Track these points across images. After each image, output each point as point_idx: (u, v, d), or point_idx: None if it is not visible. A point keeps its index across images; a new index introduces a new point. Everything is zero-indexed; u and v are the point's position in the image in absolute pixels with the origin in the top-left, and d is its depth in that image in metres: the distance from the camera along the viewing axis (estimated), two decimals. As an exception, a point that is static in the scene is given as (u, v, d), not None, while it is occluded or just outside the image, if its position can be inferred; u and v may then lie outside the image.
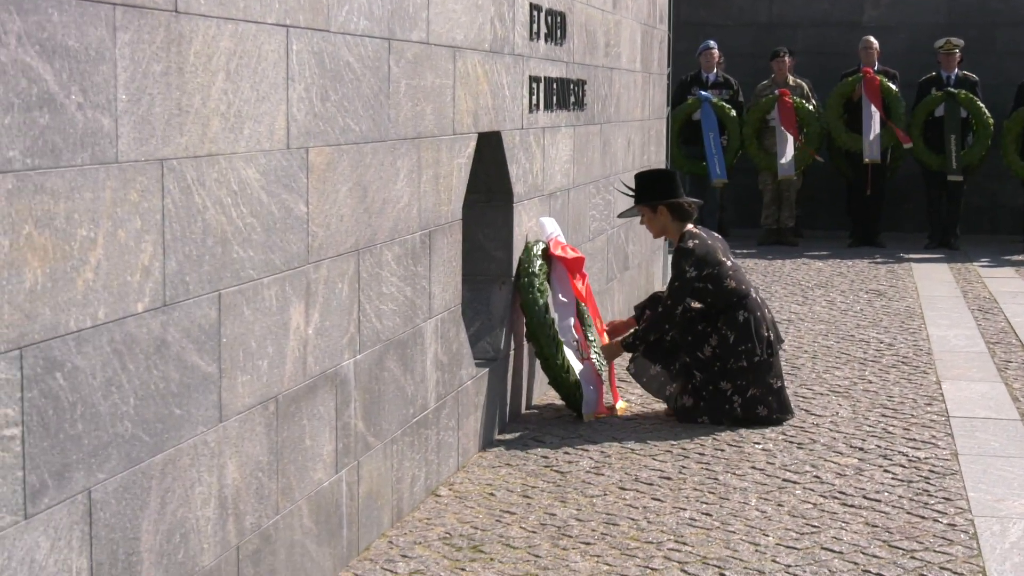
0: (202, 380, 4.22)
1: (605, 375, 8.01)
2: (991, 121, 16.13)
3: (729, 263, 7.75)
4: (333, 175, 5.12)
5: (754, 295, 7.76)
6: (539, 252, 7.68)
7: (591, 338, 8.09)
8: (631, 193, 8.09)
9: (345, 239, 5.25)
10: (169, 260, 3.99)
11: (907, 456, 7.00)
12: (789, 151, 16.21)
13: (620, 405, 7.97)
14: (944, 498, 6.29)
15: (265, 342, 4.62)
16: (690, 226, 7.86)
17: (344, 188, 5.23)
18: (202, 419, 4.23)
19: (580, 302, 8.02)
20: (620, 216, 8.64)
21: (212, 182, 4.22)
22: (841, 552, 5.55)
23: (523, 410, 7.88)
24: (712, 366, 7.62)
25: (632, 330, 7.99)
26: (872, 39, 16.53)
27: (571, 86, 8.78)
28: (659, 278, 12.72)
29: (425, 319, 6.21)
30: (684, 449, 7.11)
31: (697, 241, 7.73)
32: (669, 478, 6.59)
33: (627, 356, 8.15)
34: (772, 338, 7.70)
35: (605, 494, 6.33)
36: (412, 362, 6.06)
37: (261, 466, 4.63)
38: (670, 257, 8.12)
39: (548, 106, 8.22)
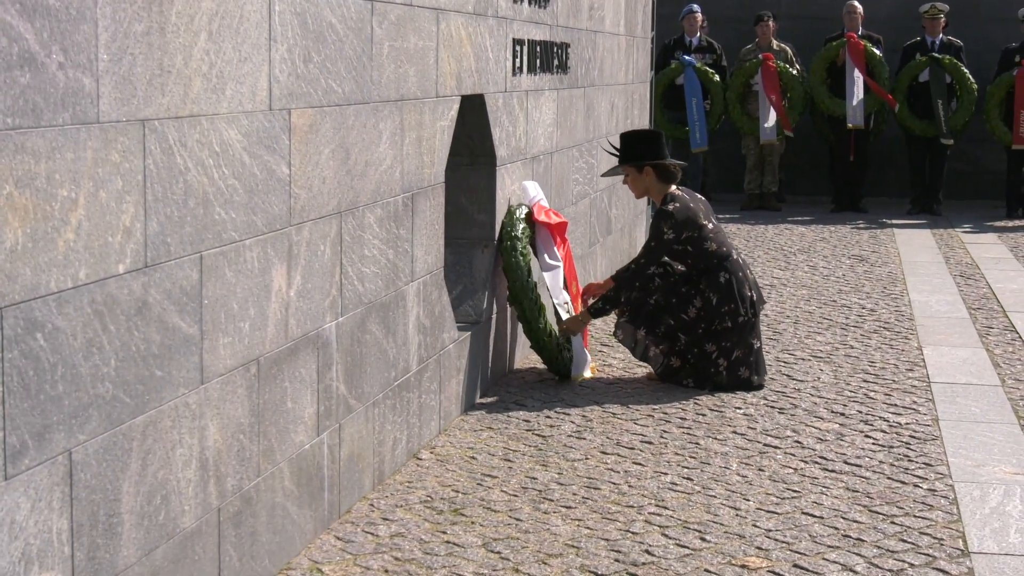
0: (183, 342, 4.20)
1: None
2: (975, 86, 16.14)
3: (711, 225, 7.74)
4: (315, 137, 5.10)
5: (735, 256, 7.76)
6: (522, 216, 7.66)
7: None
8: (616, 153, 8.06)
9: (327, 201, 5.23)
10: (150, 221, 3.97)
11: (888, 421, 7.01)
12: (772, 116, 16.21)
13: (588, 366, 7.95)
14: (924, 463, 6.31)
15: (247, 304, 4.61)
16: (673, 188, 7.84)
17: (327, 150, 5.20)
18: (183, 381, 4.21)
19: (561, 266, 8.02)
20: (604, 175, 8.62)
21: (194, 143, 4.20)
22: (821, 517, 5.56)
23: (505, 373, 7.88)
24: (696, 328, 7.63)
25: (601, 295, 7.92)
26: (856, 4, 16.51)
27: (555, 49, 8.75)
28: (641, 241, 12.71)
29: (407, 282, 6.19)
30: (665, 414, 7.11)
31: (678, 204, 7.71)
32: (650, 442, 6.60)
33: (605, 323, 8.14)
34: (755, 298, 7.70)
35: (586, 458, 6.33)
36: (394, 325, 6.04)
37: (242, 428, 4.62)
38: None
39: (532, 69, 8.19)
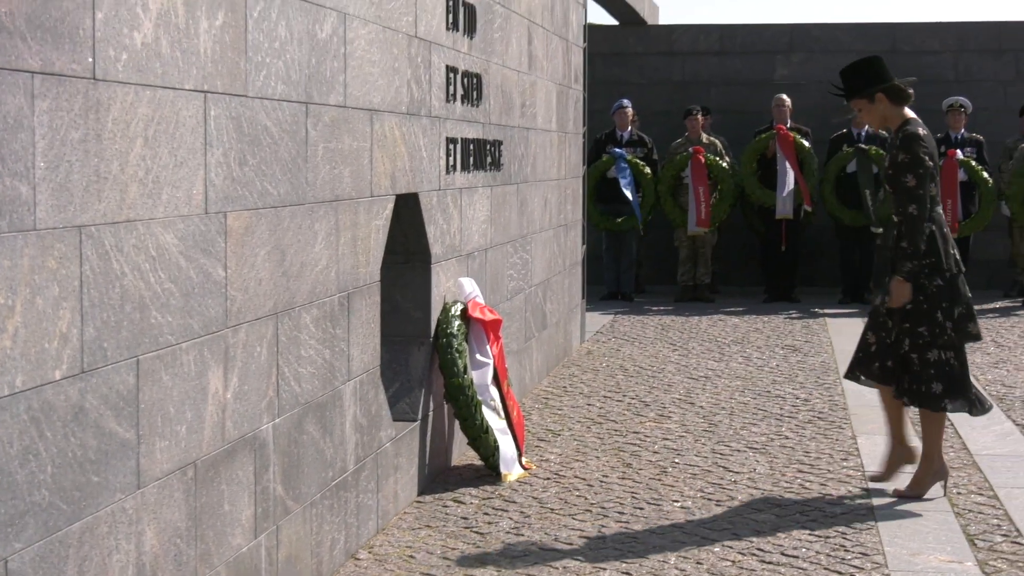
0: (120, 447, 4.19)
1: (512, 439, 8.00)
2: (901, 177, 16.36)
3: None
4: (251, 239, 5.12)
5: (940, 209, 7.45)
6: (457, 313, 7.70)
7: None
8: (841, 92, 7.61)
9: (264, 303, 5.25)
10: (87, 327, 3.97)
11: (824, 512, 7.06)
12: (703, 208, 16.38)
13: (524, 461, 7.96)
14: (861, 553, 6.35)
15: (183, 407, 4.61)
16: (908, 111, 7.48)
17: (262, 252, 5.23)
18: (120, 486, 4.20)
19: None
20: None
21: (130, 248, 4.22)
22: (760, 609, 5.58)
23: (443, 470, 7.88)
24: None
25: (897, 263, 7.30)
26: (784, 96, 16.78)
27: (488, 147, 8.84)
28: (576, 337, 12.79)
29: (344, 381, 6.20)
30: (603, 509, 7.13)
31: (924, 130, 7.40)
32: (588, 537, 6.61)
33: (542, 417, 8.12)
34: (958, 257, 7.41)
35: (525, 555, 6.33)
36: (331, 425, 6.05)
37: (179, 532, 4.61)
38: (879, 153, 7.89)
39: (465, 167, 8.26)
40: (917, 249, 7.24)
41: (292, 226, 5.53)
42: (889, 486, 7.47)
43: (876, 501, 7.27)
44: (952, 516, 6.99)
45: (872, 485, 7.53)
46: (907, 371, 7.42)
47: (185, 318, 4.60)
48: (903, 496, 7.35)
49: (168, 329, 4.48)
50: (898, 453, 7.59)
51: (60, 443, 3.85)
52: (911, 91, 7.50)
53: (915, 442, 7.72)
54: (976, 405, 7.44)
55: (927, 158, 7.27)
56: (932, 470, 7.41)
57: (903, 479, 7.49)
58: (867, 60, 7.59)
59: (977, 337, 7.44)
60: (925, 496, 7.34)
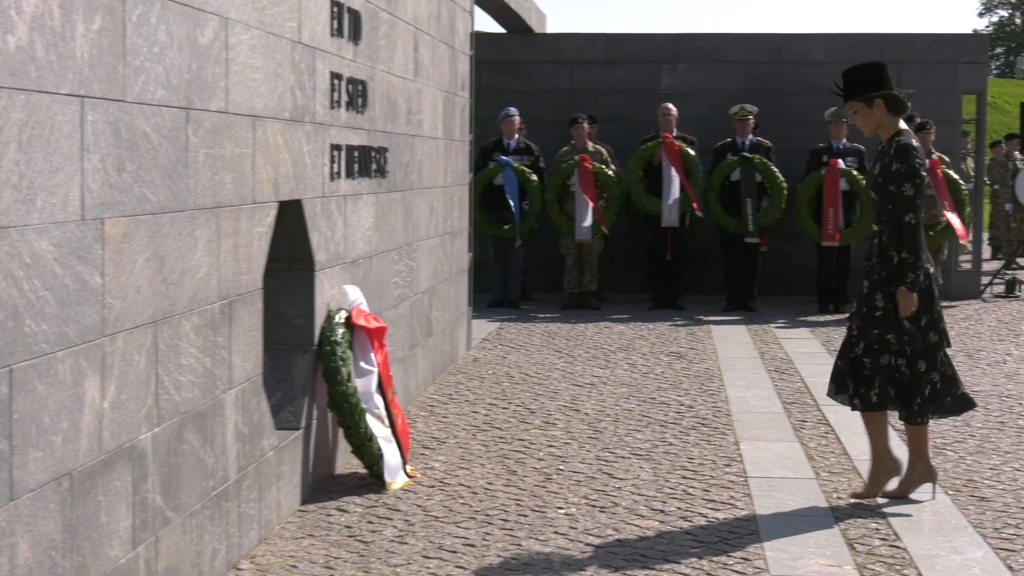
0: (-7, 458, 4.12)
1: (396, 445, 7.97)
2: (785, 185, 16.59)
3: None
4: (129, 246, 5.06)
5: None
6: (341, 320, 7.66)
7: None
8: (840, 92, 7.61)
9: (142, 310, 5.19)
10: (-42, 336, 3.90)
11: (707, 517, 7.11)
12: (589, 216, 16.45)
13: (408, 469, 7.94)
14: (743, 558, 6.40)
15: (59, 417, 4.53)
16: (902, 122, 7.50)
17: (141, 259, 5.16)
18: (-7, 498, 4.12)
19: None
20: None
21: (3, 255, 4.14)
22: (642, 616, 5.60)
23: (327, 479, 7.83)
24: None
25: (900, 274, 7.36)
26: (670, 106, 16.91)
27: (373, 154, 8.81)
28: (463, 344, 12.78)
29: (225, 390, 6.14)
30: (488, 516, 7.13)
31: (916, 141, 7.44)
32: (473, 545, 6.60)
33: (427, 424, 8.10)
34: (931, 268, 7.50)
35: (409, 563, 6.31)
36: (212, 434, 5.98)
37: (55, 544, 4.53)
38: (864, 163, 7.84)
39: (350, 174, 8.23)
40: (918, 258, 7.35)
41: (172, 233, 5.46)
42: (872, 503, 7.49)
43: (758, 505, 7.33)
44: (832, 521, 7.07)
45: (855, 501, 7.51)
46: (855, 375, 7.52)
47: (61, 326, 4.53)
48: (892, 497, 7.43)
49: (43, 338, 4.41)
50: (883, 467, 7.59)
51: (-71, 454, 3.77)
52: (909, 103, 7.56)
53: (897, 453, 7.73)
54: (949, 409, 7.61)
55: (921, 168, 7.38)
56: (919, 471, 7.49)
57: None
58: (873, 64, 7.62)
59: (941, 347, 7.56)
60: (912, 496, 7.48)
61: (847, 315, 16.00)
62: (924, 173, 7.42)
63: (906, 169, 7.36)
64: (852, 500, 7.48)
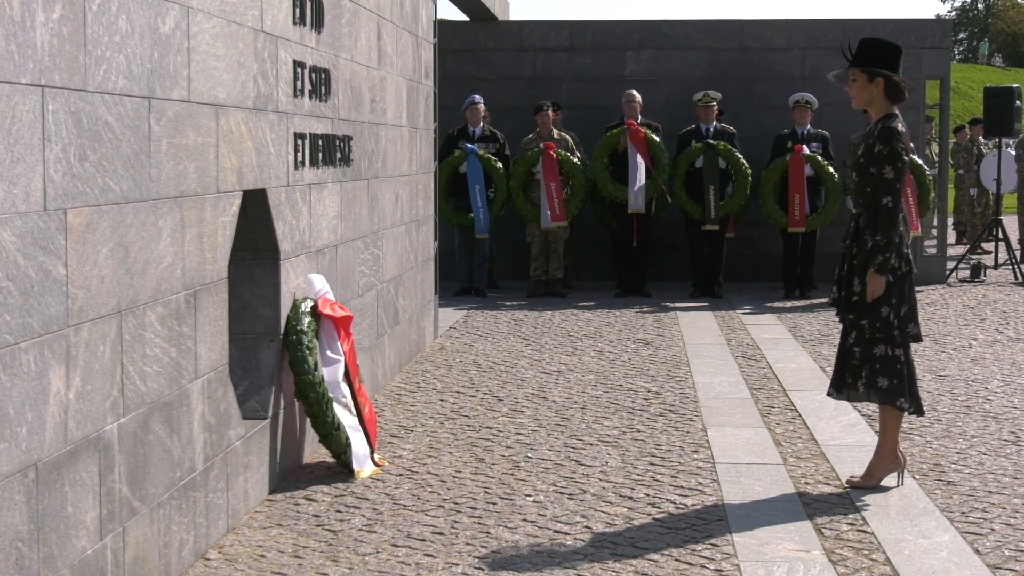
0: (-44, 450, 4.09)
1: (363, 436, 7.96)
2: (749, 171, 16.61)
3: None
4: (93, 236, 5.02)
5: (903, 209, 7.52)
6: (307, 310, 7.63)
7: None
8: (849, 56, 7.51)
9: (106, 301, 5.15)
10: (-80, 327, 3.86)
11: (675, 504, 7.12)
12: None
13: (376, 458, 7.93)
14: (711, 544, 6.41)
15: (23, 408, 4.50)
16: (895, 108, 7.48)
17: (104, 249, 5.13)
18: (-43, 490, 4.09)
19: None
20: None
21: (-35, 246, 4.11)
22: (611, 602, 5.61)
23: (295, 468, 7.81)
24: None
25: (871, 256, 7.38)
26: (635, 92, 16.90)
27: (337, 142, 8.78)
28: (429, 332, 12.76)
29: (191, 380, 6.11)
30: (456, 504, 7.12)
31: (903, 127, 7.44)
32: (441, 533, 6.59)
33: (395, 414, 8.09)
34: (911, 255, 7.54)
35: (377, 552, 6.30)
36: (178, 424, 5.96)
37: (21, 536, 4.50)
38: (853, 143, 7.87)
39: (314, 162, 8.20)
40: (891, 241, 7.36)
41: (135, 223, 5.43)
42: (840, 487, 7.49)
43: (726, 491, 7.35)
44: (800, 506, 7.09)
45: (823, 488, 7.50)
46: (846, 364, 7.53)
47: (24, 317, 4.49)
48: (857, 486, 7.43)
49: (6, 328, 4.38)
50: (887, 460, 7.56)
51: None
52: (906, 96, 7.53)
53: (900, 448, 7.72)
54: (920, 405, 7.59)
55: (904, 153, 7.38)
56: (886, 461, 7.49)
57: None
58: (892, 45, 7.54)
59: (917, 338, 7.57)
60: (881, 485, 7.46)
61: (812, 300, 16.13)
62: (906, 158, 7.42)
63: (888, 151, 7.37)
64: (848, 485, 7.49)
